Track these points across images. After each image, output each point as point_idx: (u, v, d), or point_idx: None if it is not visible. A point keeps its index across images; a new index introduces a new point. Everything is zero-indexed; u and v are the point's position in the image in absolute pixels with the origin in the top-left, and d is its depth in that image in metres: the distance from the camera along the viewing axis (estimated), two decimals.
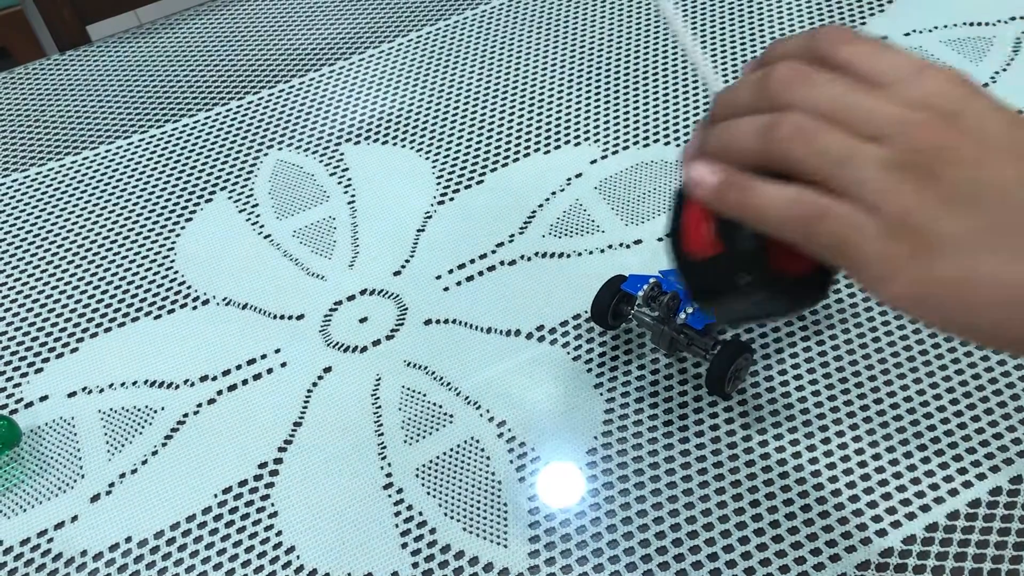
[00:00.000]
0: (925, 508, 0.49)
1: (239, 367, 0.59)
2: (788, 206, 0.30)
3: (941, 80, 0.31)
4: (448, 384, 0.57)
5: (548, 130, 0.71)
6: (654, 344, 0.56)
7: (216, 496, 0.53)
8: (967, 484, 0.49)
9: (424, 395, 0.56)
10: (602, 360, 0.57)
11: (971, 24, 0.74)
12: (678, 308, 0.53)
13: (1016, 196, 0.29)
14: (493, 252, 0.63)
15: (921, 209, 0.30)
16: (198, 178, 0.72)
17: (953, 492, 0.49)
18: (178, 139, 0.75)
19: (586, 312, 0.59)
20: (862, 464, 0.51)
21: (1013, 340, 0.32)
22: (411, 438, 0.54)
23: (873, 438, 0.52)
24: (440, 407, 0.55)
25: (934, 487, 0.49)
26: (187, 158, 0.73)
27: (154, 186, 0.72)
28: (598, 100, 0.73)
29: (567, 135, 0.71)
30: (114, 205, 0.71)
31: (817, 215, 0.30)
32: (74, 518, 0.53)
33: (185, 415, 0.57)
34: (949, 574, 0.46)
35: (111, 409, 0.58)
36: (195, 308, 0.63)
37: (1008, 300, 0.30)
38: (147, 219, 0.69)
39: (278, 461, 0.54)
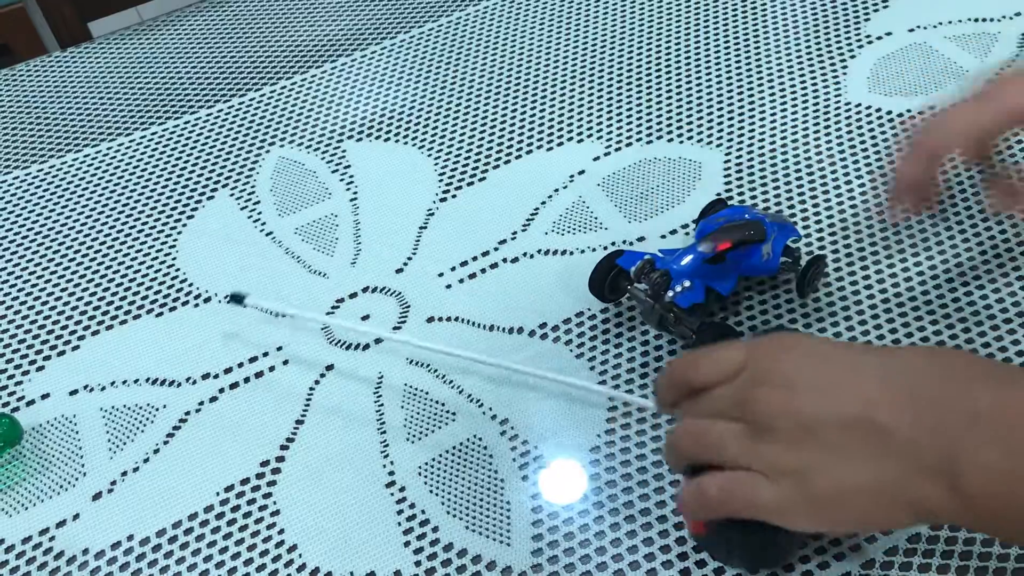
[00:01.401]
0: None
1: (241, 365, 0.59)
2: (716, 496, 0.43)
3: (762, 355, 0.43)
4: (451, 382, 0.56)
5: (551, 127, 0.71)
6: (644, 320, 0.57)
7: (218, 494, 0.53)
8: None
9: (426, 393, 0.56)
10: (605, 358, 0.56)
11: (976, 20, 0.74)
12: (668, 286, 0.53)
13: (824, 421, 0.40)
14: (495, 249, 0.63)
15: (777, 456, 0.40)
16: (199, 175, 0.71)
17: None
18: (180, 136, 0.75)
19: (589, 309, 0.59)
20: None
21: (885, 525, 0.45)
22: (413, 436, 0.54)
23: None
24: (442, 405, 0.55)
25: None
26: (189, 155, 0.73)
27: (155, 183, 0.71)
28: (601, 96, 0.73)
29: (570, 132, 0.70)
30: (115, 202, 0.70)
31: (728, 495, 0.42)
32: (76, 516, 0.53)
33: (187, 413, 0.57)
34: (954, 573, 0.46)
35: (113, 407, 0.58)
36: (197, 306, 0.63)
37: (867, 497, 0.39)
38: (149, 216, 0.69)
39: (280, 459, 0.54)
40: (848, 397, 0.40)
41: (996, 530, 0.40)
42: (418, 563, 0.49)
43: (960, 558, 0.46)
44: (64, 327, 0.62)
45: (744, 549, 0.46)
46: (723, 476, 0.42)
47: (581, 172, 0.67)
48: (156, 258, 0.66)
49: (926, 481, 0.38)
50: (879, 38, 0.74)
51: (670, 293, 0.53)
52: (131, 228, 0.68)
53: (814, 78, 0.72)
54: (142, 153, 0.74)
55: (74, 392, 0.59)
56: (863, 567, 0.47)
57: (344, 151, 0.72)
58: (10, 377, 0.60)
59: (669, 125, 0.70)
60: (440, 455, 0.53)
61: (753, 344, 0.44)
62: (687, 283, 0.53)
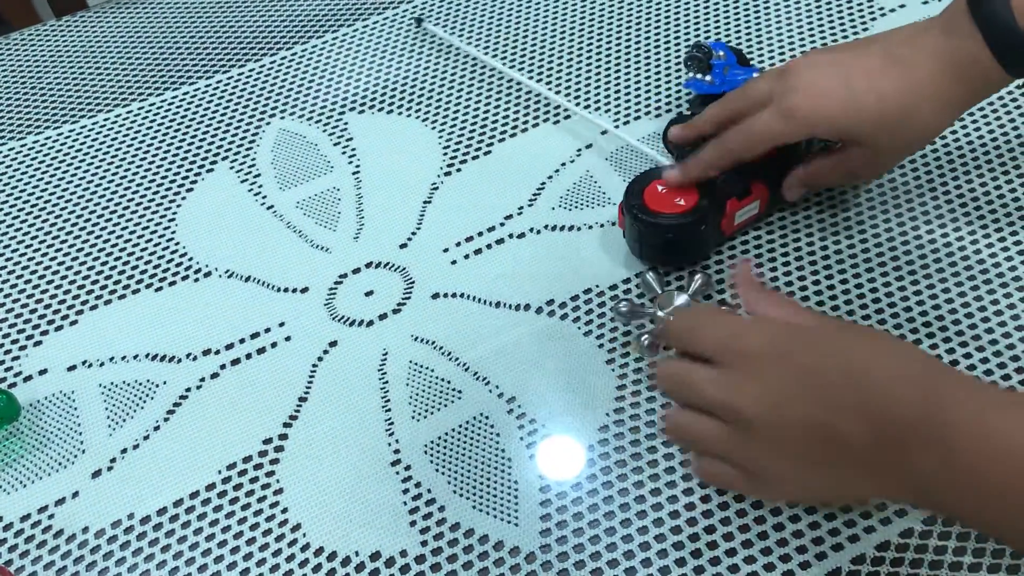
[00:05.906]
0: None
1: (242, 341, 0.58)
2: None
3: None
4: (456, 359, 0.55)
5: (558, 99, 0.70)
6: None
7: (220, 472, 0.52)
8: None
9: (432, 370, 0.55)
10: (613, 335, 0.55)
11: None
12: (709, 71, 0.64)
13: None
14: (502, 225, 0.62)
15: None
16: (199, 147, 0.70)
17: None
18: (178, 107, 0.73)
19: (597, 287, 0.58)
20: None
21: None
22: (419, 414, 0.53)
23: None
24: (448, 382, 0.54)
25: None
26: (187, 127, 0.72)
27: (154, 155, 0.70)
28: (610, 69, 0.71)
29: (578, 104, 0.69)
30: (113, 175, 0.69)
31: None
32: (75, 494, 0.52)
33: (187, 389, 0.56)
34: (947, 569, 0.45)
35: (112, 383, 0.57)
36: (197, 280, 0.61)
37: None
38: (147, 189, 0.68)
39: (283, 437, 0.53)
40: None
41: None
42: (424, 543, 0.48)
43: (954, 554, 0.46)
44: (62, 302, 0.61)
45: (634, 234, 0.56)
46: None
47: (589, 146, 0.66)
48: (155, 232, 0.65)
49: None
50: (892, 10, 0.73)
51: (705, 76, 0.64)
52: (129, 201, 0.67)
53: None
54: (140, 124, 0.72)
55: (72, 368, 0.58)
56: (878, 548, 0.46)
57: (346, 123, 0.70)
58: (7, 352, 0.59)
59: (678, 99, 0.68)
60: (446, 433, 0.52)
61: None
62: (711, 79, 0.63)
